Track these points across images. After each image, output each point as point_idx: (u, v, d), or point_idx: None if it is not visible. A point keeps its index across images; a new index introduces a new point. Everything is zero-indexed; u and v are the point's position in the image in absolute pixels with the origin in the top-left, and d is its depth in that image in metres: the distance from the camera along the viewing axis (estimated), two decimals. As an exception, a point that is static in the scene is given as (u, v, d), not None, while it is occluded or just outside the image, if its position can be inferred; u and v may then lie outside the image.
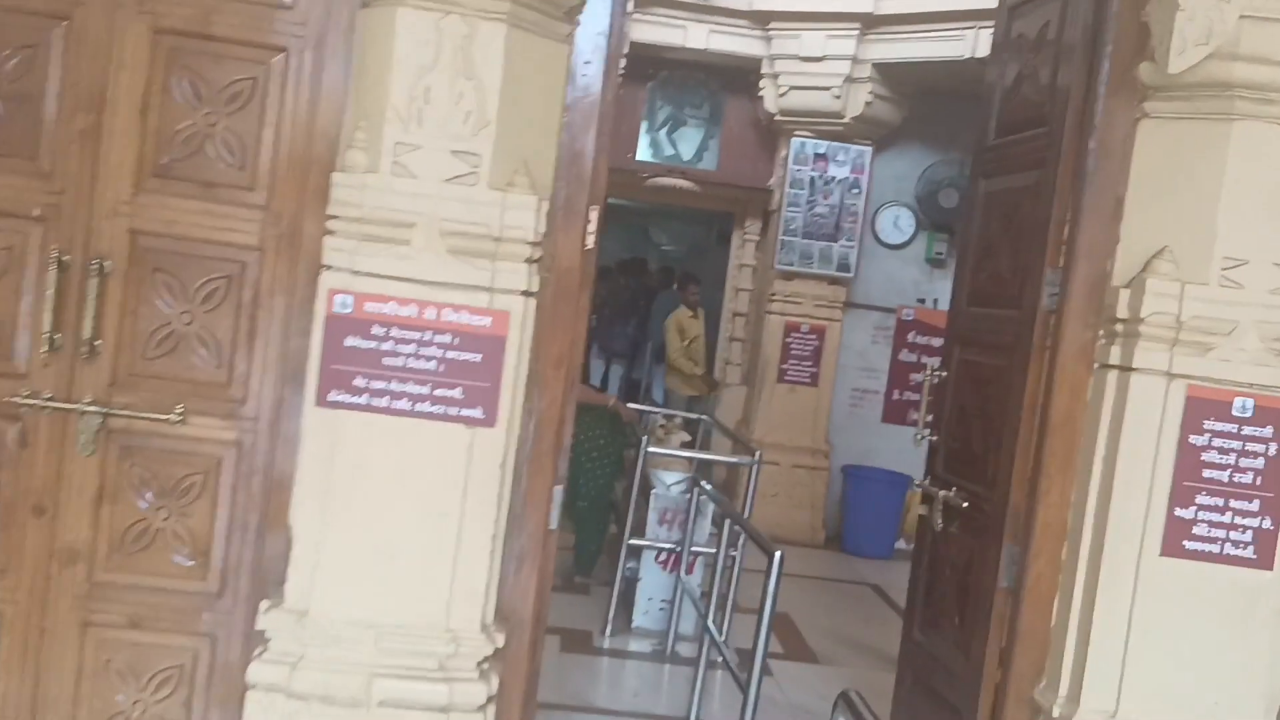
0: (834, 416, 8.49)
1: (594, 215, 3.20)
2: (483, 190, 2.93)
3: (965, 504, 3.55)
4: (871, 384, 8.67)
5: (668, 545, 5.59)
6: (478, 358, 2.95)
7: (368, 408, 2.93)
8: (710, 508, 5.46)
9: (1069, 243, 3.27)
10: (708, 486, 5.07)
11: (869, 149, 8.21)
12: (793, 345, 8.31)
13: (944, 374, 3.91)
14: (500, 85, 2.94)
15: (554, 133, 3.08)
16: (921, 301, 8.65)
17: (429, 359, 2.94)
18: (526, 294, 3.00)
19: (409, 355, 2.93)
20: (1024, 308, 3.39)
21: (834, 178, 8.18)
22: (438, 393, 2.94)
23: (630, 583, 5.80)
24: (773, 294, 8.37)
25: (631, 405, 7.67)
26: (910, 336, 8.64)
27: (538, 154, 3.04)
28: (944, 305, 8.60)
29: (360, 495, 2.94)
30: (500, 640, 3.04)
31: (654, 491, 5.70)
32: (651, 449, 5.61)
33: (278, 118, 3.09)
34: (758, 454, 5.58)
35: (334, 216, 2.94)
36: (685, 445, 6.68)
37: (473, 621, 2.97)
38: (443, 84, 2.93)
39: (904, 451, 8.49)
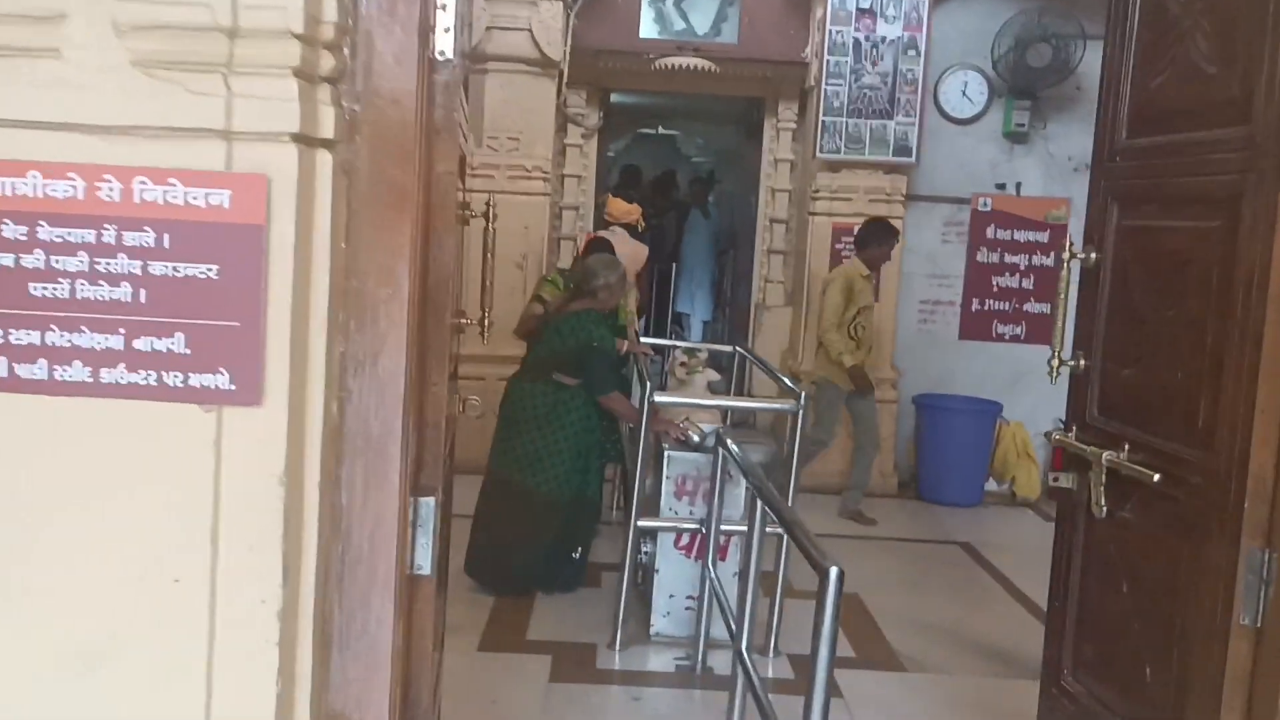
0: (900, 337, 6.96)
1: (450, -6, 1.72)
2: (190, -67, 1.48)
3: (1156, 475, 2.06)
4: (944, 294, 7.10)
5: (690, 525, 4.16)
6: (212, 272, 1.52)
7: (7, 383, 1.52)
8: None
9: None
10: (733, 448, 3.62)
11: None
12: (845, 253, 6.75)
13: (1094, 255, 2.40)
14: None
15: None
16: (1001, 187, 7.02)
17: (117, 281, 1.51)
18: (305, 140, 1.56)
19: (76, 275, 1.51)
20: (1256, 119, 1.87)
21: (884, 39, 6.55)
22: (140, 345, 1.52)
23: (647, 575, 4.41)
24: (816, 191, 6.80)
25: (650, 341, 6.23)
26: (989, 231, 7.03)
27: None
28: (1030, 190, 7.01)
29: (19, 555, 1.54)
30: (321, 798, 1.65)
31: (668, 453, 4.27)
32: (657, 397, 4.15)
33: None
34: (802, 396, 4.12)
35: (-85, 14, 1.50)
36: (714, 388, 5.22)
37: (254, 775, 1.57)
38: None
39: (988, 374, 7.00)
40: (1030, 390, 6.99)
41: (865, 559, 5.50)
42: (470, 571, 4.72)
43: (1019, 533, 6.32)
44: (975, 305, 7.08)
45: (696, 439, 4.63)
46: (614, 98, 8.07)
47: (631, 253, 5.95)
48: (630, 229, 6.05)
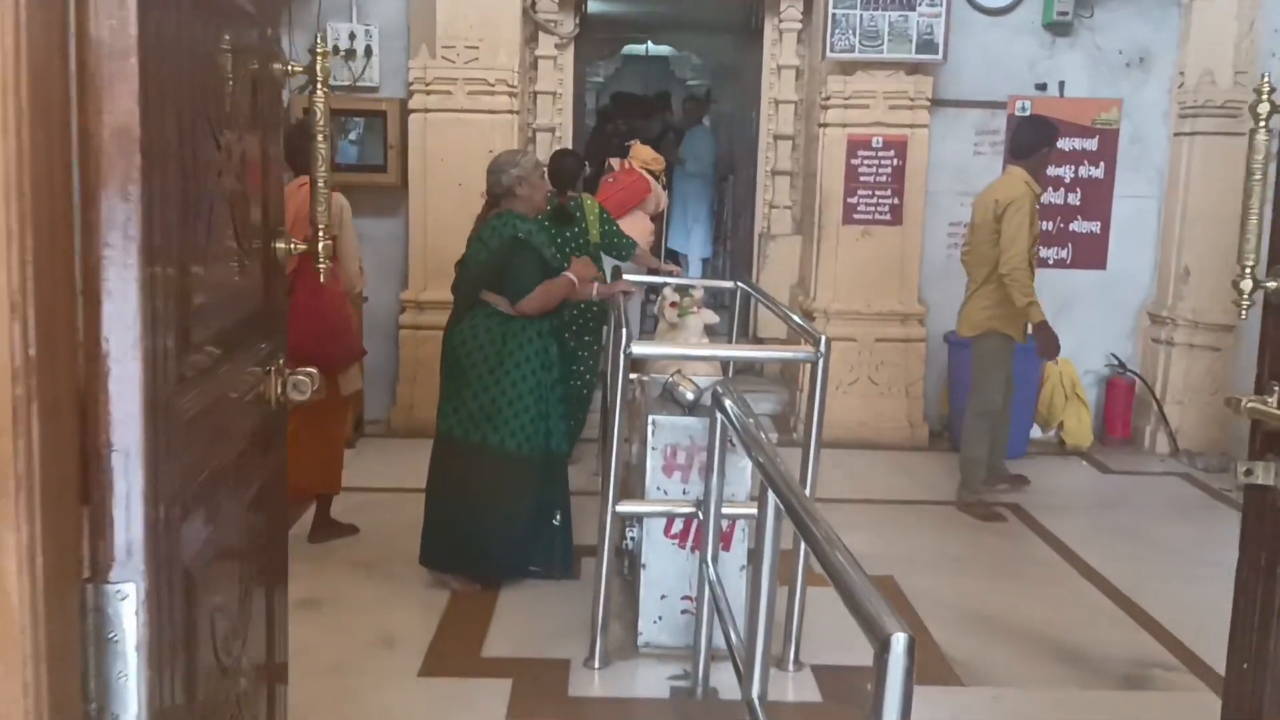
0: (927, 265, 6.03)
1: None
2: None
3: None
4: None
5: (683, 509, 3.29)
6: None
7: None
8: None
9: None
10: (734, 410, 2.73)
11: None
12: (861, 169, 5.83)
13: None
14: None
15: None
16: (1042, 88, 6.05)
17: None
18: None
19: None
20: None
21: (903, -89, 5.56)
22: None
23: (634, 564, 3.56)
24: (827, 98, 5.84)
25: (634, 278, 5.33)
26: (1028, 140, 6.09)
27: None
28: (1075, 90, 6.05)
29: None
30: None
31: (652, 418, 3.38)
32: (634, 348, 3.24)
33: None
34: (822, 341, 3.21)
35: None
36: (712, 333, 4.33)
37: None
38: None
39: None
40: (1078, 322, 6.09)
41: (899, 532, 4.65)
42: (429, 562, 3.89)
43: (1074, 489, 5.45)
44: (1013, 226, 6.14)
45: (690, 397, 3.77)
46: (591, 6, 7.06)
47: (655, 196, 6.09)
48: (654, 176, 6.15)
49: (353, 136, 5.86)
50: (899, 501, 5.05)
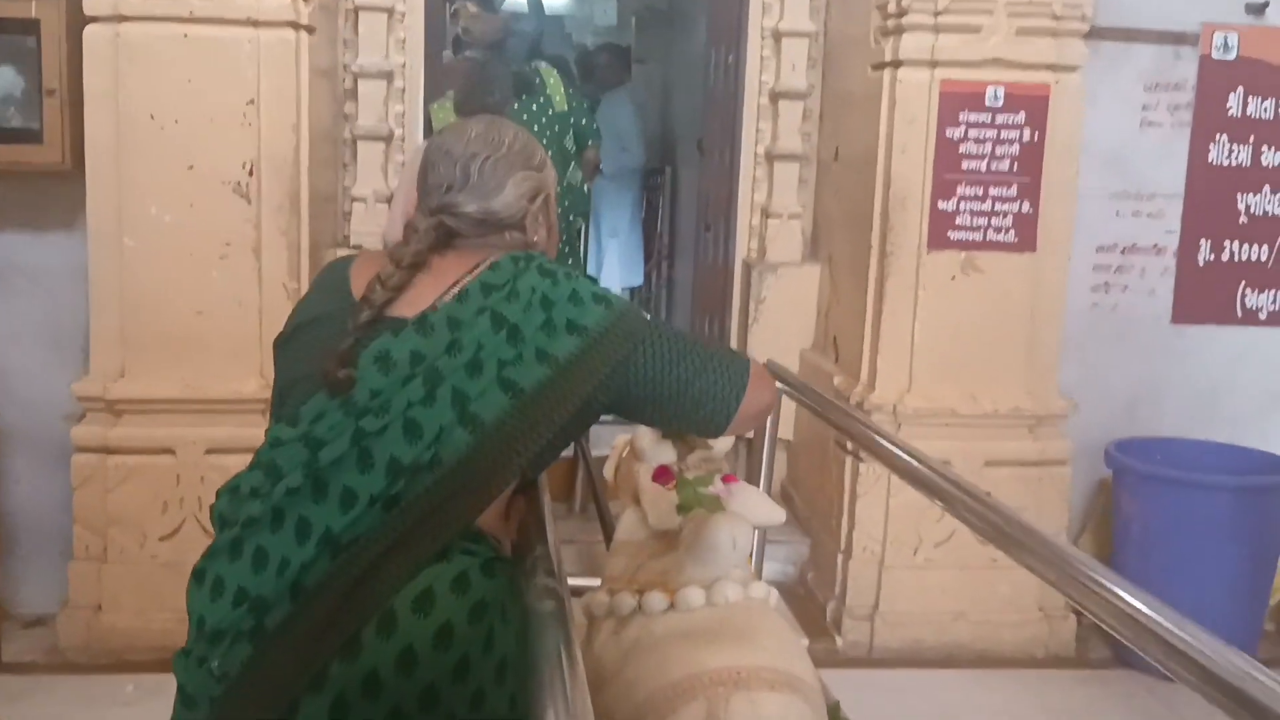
0: (1067, 325, 3.37)
1: None
2: None
3: None
4: (1143, 233, 3.51)
5: None
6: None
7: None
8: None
9: None
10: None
11: None
12: (966, 146, 3.14)
13: None
14: None
15: None
16: (1258, 11, 3.47)
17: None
18: None
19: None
20: None
21: None
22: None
23: None
24: (899, 13, 3.11)
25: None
26: (1232, 100, 3.49)
27: None
28: (1319, 10, 3.44)
29: None
30: None
31: None
32: None
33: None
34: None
35: None
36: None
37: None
38: None
39: (1241, 392, 3.51)
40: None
41: None
42: None
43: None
44: (1205, 254, 3.53)
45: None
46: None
47: None
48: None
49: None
50: None
